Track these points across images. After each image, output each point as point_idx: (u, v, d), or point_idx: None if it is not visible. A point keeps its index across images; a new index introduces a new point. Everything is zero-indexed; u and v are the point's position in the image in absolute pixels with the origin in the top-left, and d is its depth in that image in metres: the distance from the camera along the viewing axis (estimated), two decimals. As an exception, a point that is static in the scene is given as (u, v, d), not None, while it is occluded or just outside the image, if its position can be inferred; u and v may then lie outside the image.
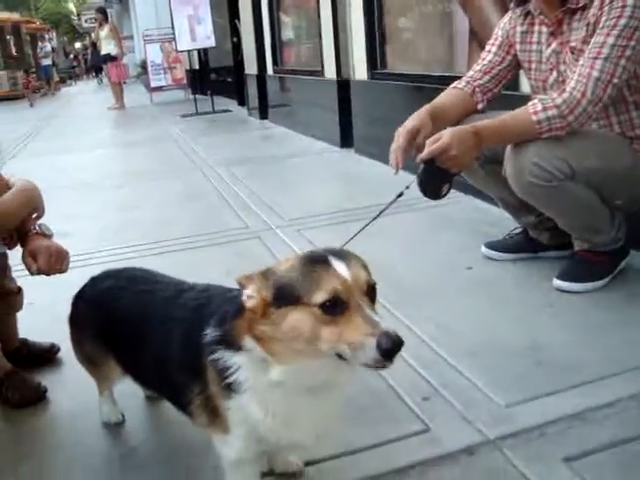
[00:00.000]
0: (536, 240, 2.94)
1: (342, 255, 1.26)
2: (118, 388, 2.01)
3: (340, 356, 1.21)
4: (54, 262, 2.17)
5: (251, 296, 1.27)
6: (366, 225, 2.00)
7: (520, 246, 2.98)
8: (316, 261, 1.25)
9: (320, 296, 1.19)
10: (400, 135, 2.53)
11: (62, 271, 2.23)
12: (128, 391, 2.05)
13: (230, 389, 1.34)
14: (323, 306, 1.19)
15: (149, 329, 1.62)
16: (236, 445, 1.42)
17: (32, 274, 2.18)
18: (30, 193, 2.24)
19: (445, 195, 2.45)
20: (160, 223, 4.26)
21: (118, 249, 3.72)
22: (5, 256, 2.29)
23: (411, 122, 2.56)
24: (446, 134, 2.35)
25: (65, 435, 2.02)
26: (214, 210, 4.49)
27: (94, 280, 1.93)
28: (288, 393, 1.30)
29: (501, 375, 2.06)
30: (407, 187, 2.19)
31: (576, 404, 1.86)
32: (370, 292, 1.25)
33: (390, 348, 1.15)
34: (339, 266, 1.22)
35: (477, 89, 2.76)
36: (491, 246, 3.04)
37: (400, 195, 2.17)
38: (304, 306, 1.21)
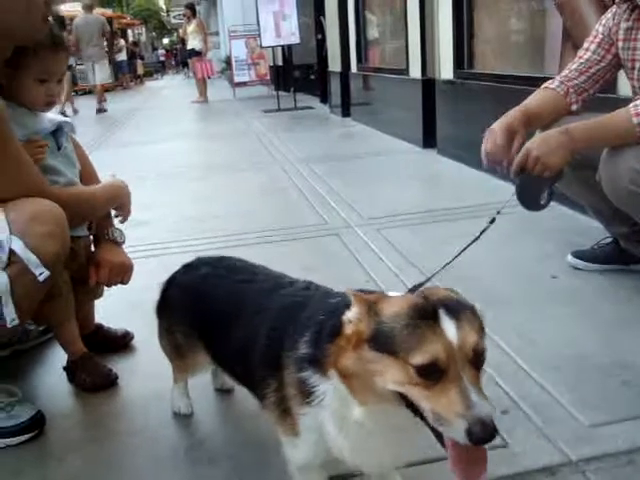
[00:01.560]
0: (628, 252, 2.78)
1: (455, 310, 1.14)
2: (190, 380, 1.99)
3: (422, 418, 1.13)
4: (114, 275, 2.24)
5: (351, 322, 1.19)
6: (462, 250, 1.91)
7: (610, 257, 2.83)
8: (425, 315, 1.13)
9: (418, 358, 1.09)
10: (497, 132, 2.45)
11: (123, 283, 2.29)
12: (199, 383, 2.03)
13: (310, 398, 1.29)
14: (419, 368, 1.10)
15: (243, 319, 1.57)
16: (304, 450, 1.38)
17: (90, 284, 2.21)
18: (119, 190, 2.27)
19: (546, 205, 2.34)
20: (238, 216, 4.26)
21: (195, 240, 3.73)
22: (89, 241, 2.31)
23: (505, 119, 2.48)
24: (531, 140, 2.28)
25: (133, 422, 2.02)
26: (292, 205, 4.47)
27: (188, 267, 1.88)
28: (366, 429, 1.23)
29: (585, 392, 1.95)
30: (498, 212, 2.09)
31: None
32: (477, 359, 1.13)
33: (482, 438, 1.05)
34: (448, 326, 1.11)
35: (571, 89, 2.63)
36: (578, 255, 2.90)
37: (492, 221, 2.07)
38: (399, 360, 1.12)
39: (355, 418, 1.21)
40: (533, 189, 2.31)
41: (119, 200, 2.26)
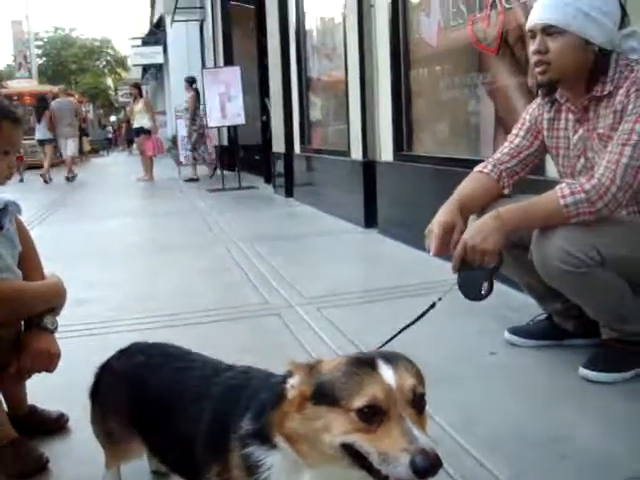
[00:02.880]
0: (562, 327, 2.86)
1: (392, 359, 1.21)
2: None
3: (369, 469, 1.14)
4: (38, 363, 2.17)
5: (293, 386, 1.24)
6: (401, 330, 1.95)
7: (545, 333, 2.90)
8: (362, 363, 1.20)
9: (358, 402, 1.14)
10: (436, 233, 2.54)
11: (48, 371, 2.22)
12: (133, 465, 1.97)
13: (257, 475, 1.28)
14: (360, 412, 1.13)
15: (182, 406, 1.56)
16: None
17: (11, 371, 2.16)
18: (58, 292, 2.27)
19: (488, 294, 2.39)
20: (180, 295, 4.23)
21: (137, 319, 3.68)
22: (19, 327, 2.26)
23: (443, 217, 2.57)
24: (466, 232, 2.42)
25: None
26: (235, 285, 4.46)
27: (123, 353, 1.86)
28: None
29: (525, 468, 1.97)
30: (439, 299, 2.16)
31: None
32: (418, 402, 1.18)
33: (425, 467, 1.07)
34: (385, 371, 1.17)
35: (504, 173, 2.74)
36: (514, 332, 2.96)
37: (433, 306, 2.13)
38: (341, 409, 1.15)
39: None
40: (474, 281, 2.38)
41: (57, 301, 2.25)
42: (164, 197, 11.05)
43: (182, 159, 14.91)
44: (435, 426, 2.22)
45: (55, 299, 2.25)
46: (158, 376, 1.70)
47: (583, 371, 2.54)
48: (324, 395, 1.18)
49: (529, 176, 2.86)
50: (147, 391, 1.69)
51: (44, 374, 2.24)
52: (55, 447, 2.29)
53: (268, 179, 11.10)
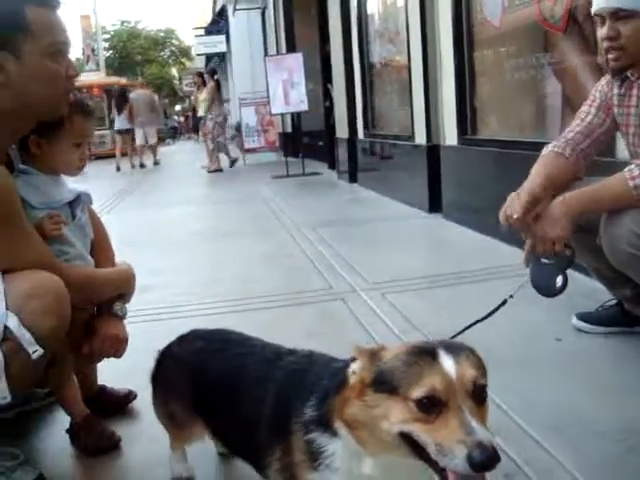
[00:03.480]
0: (632, 314, 2.79)
1: (454, 349, 1.20)
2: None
3: (427, 460, 1.15)
4: (107, 348, 2.25)
5: (355, 372, 1.24)
6: (470, 325, 1.94)
7: (614, 319, 2.83)
8: (423, 353, 1.19)
9: (417, 392, 1.14)
10: (522, 195, 2.47)
11: (116, 356, 2.30)
12: (200, 446, 2.01)
13: (319, 461, 1.30)
14: (419, 402, 1.13)
15: (243, 391, 1.59)
16: None
17: (82, 353, 2.24)
18: (127, 279, 2.33)
19: (562, 290, 2.36)
20: (245, 281, 4.29)
21: (202, 304, 3.76)
22: (93, 311, 2.33)
23: (532, 186, 2.51)
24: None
25: None
26: (298, 270, 4.51)
27: (183, 339, 1.90)
28: None
29: (590, 457, 1.93)
30: (511, 296, 2.14)
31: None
32: (478, 394, 1.17)
33: (482, 461, 1.06)
34: (446, 362, 1.17)
35: (580, 155, 2.64)
36: (582, 318, 2.90)
37: (504, 302, 2.11)
38: (400, 398, 1.16)
39: (367, 472, 1.23)
40: (547, 275, 2.35)
41: (126, 288, 2.32)
42: (228, 184, 11.19)
43: (246, 146, 15.05)
44: (498, 410, 2.20)
45: (125, 286, 2.32)
46: (218, 361, 1.73)
47: (654, 359, 2.48)
48: (384, 383, 1.18)
49: (599, 158, 2.78)
50: (207, 376, 1.73)
51: (112, 359, 2.32)
52: (125, 427, 2.37)
53: (332, 165, 11.10)
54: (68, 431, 2.28)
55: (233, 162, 14.19)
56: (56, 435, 2.35)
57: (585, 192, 2.37)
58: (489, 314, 2.03)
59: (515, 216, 2.45)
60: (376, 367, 1.21)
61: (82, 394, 2.36)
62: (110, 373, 2.59)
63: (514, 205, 2.47)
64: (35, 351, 1.79)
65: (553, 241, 2.33)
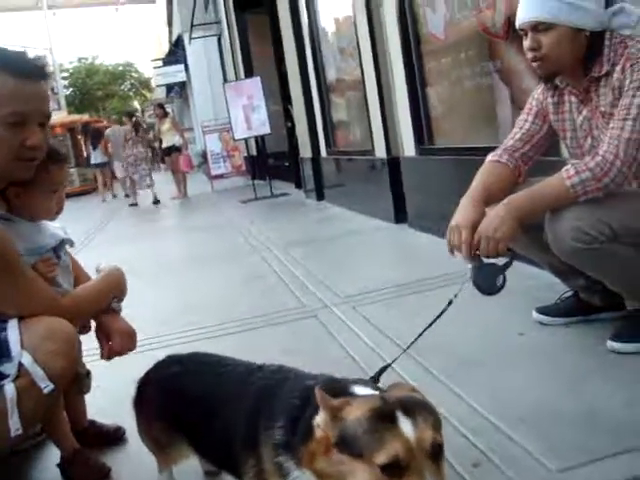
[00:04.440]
0: (587, 302, 2.93)
1: (411, 409, 1.28)
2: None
3: None
4: (126, 343, 2.34)
5: (320, 426, 1.32)
6: (420, 334, 2.07)
7: (572, 309, 2.98)
8: (383, 417, 1.26)
9: (381, 457, 1.21)
10: (463, 231, 2.54)
11: (130, 350, 2.38)
12: (187, 468, 2.10)
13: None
14: (383, 467, 1.21)
15: (220, 407, 1.70)
16: None
17: (103, 355, 2.33)
18: (118, 278, 2.42)
19: (502, 288, 2.43)
20: (218, 306, 4.38)
21: (179, 333, 3.83)
22: (79, 342, 2.41)
23: (471, 215, 2.58)
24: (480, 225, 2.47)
25: None
26: (272, 291, 4.59)
27: (159, 365, 2.04)
28: None
29: (554, 441, 2.04)
30: (455, 296, 2.23)
31: (636, 467, 1.83)
32: (436, 453, 1.25)
33: None
34: (405, 425, 1.24)
35: (519, 160, 2.78)
36: (542, 311, 3.04)
37: (450, 303, 2.21)
38: (364, 461, 1.24)
39: None
40: (489, 274, 2.43)
41: (116, 292, 2.39)
42: (198, 212, 11.27)
43: (213, 172, 15.16)
44: (465, 406, 2.33)
45: (116, 288, 2.40)
46: (194, 382, 1.85)
47: (610, 343, 2.61)
48: (348, 445, 1.27)
49: (546, 157, 2.91)
50: (185, 396, 1.84)
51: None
52: (114, 457, 2.46)
53: (299, 184, 11.21)
54: (59, 465, 2.37)
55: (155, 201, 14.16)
56: (48, 470, 2.44)
57: (527, 193, 2.50)
58: (436, 318, 2.14)
59: (461, 254, 2.56)
60: (339, 428, 1.29)
61: (72, 429, 2.45)
62: (97, 407, 2.69)
63: (456, 241, 2.56)
64: (47, 386, 1.92)
65: (497, 242, 2.43)
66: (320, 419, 1.32)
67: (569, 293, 3.03)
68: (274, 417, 1.47)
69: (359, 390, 1.43)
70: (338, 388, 1.43)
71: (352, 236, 6.28)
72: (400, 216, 6.23)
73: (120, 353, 2.36)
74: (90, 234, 9.84)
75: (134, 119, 14.68)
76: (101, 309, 2.31)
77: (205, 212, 10.91)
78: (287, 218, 8.46)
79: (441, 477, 1.25)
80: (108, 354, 2.33)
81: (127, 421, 2.59)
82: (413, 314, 3.48)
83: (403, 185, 6.10)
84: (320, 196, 9.28)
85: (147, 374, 2.05)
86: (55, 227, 2.41)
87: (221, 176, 15.47)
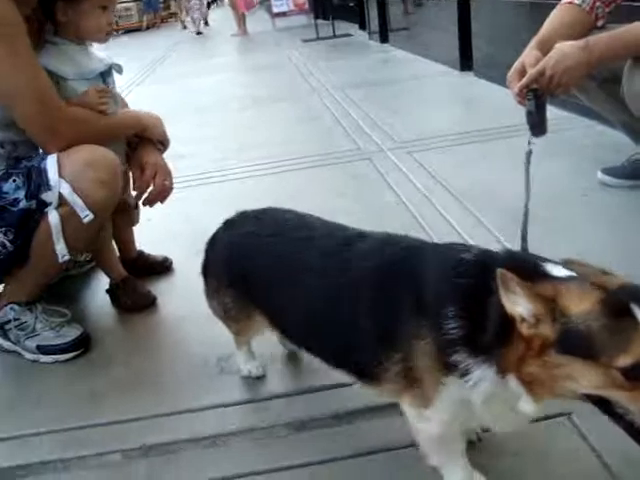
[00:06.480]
0: (657, 165, 2.78)
1: None
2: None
3: (613, 414, 1.09)
4: (159, 178, 2.27)
5: (526, 320, 1.07)
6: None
7: (639, 172, 2.83)
8: (621, 313, 1.03)
9: (626, 360, 1.01)
10: (512, 81, 2.31)
11: (165, 191, 2.30)
12: (268, 347, 1.98)
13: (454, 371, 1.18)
14: (627, 370, 1.01)
15: (316, 280, 1.43)
16: (440, 421, 1.28)
17: (134, 189, 2.31)
18: (137, 117, 2.32)
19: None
20: (275, 144, 4.34)
21: (235, 169, 3.82)
22: (126, 173, 2.37)
23: (520, 59, 2.33)
24: (548, 57, 2.18)
25: (169, 337, 2.21)
26: (328, 132, 4.52)
27: (230, 223, 1.73)
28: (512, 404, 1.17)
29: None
30: (530, 143, 2.01)
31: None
32: None
33: None
34: None
35: (597, 2, 2.48)
36: (608, 172, 2.88)
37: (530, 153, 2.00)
38: (601, 365, 1.03)
39: (524, 411, 1.15)
40: (543, 111, 2.18)
41: (140, 126, 2.29)
42: (259, 50, 10.99)
43: (275, 10, 14.65)
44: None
45: (140, 121, 2.29)
46: (277, 245, 1.56)
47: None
48: (576, 346, 1.05)
49: (628, 2, 2.65)
50: (265, 262, 1.56)
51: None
52: (160, 286, 2.52)
53: (363, 26, 10.79)
54: (108, 291, 2.44)
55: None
56: (98, 296, 2.52)
57: (606, 37, 2.24)
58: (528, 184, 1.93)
59: (514, 91, 2.29)
60: (562, 325, 1.05)
61: (121, 258, 2.52)
62: (146, 239, 2.72)
63: (514, 80, 2.31)
64: (86, 215, 1.92)
65: (563, 84, 2.19)
66: (526, 311, 1.06)
67: (638, 155, 2.86)
68: (434, 302, 1.20)
69: (555, 271, 1.12)
70: (523, 267, 1.11)
71: (413, 80, 6.05)
72: (466, 63, 5.95)
73: (153, 190, 2.27)
74: (149, 68, 9.76)
75: None
76: (100, 140, 2.06)
77: (266, 51, 10.61)
78: (348, 59, 8.17)
79: None
80: (139, 187, 2.27)
81: (174, 256, 2.67)
82: (469, 163, 3.40)
83: (471, 30, 5.78)
84: (384, 38, 8.91)
85: (216, 233, 1.75)
86: (101, 54, 2.31)
87: (283, 14, 14.91)
